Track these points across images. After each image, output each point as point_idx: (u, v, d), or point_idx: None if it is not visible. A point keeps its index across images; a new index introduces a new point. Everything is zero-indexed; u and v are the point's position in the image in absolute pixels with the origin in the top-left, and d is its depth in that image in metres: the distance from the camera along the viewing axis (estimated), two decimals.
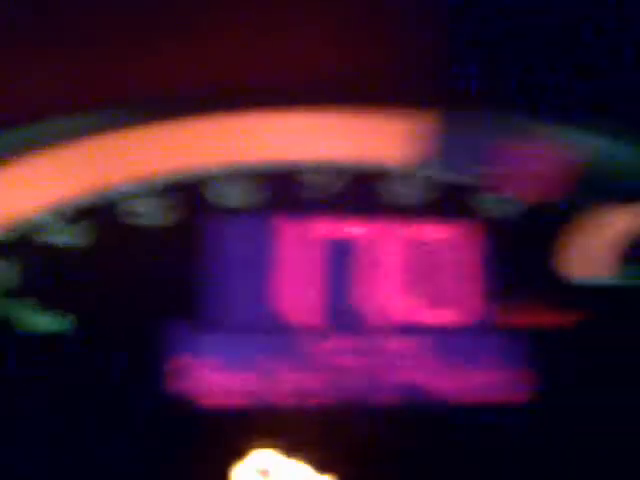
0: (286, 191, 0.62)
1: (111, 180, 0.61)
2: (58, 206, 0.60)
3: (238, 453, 0.55)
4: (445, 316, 0.59)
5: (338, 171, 0.63)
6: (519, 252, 0.62)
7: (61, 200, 0.61)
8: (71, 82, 0.62)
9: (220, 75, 0.63)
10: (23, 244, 0.59)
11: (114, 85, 0.62)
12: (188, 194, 0.61)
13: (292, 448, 0.55)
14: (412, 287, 0.60)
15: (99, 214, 0.60)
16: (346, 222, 0.61)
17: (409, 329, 0.59)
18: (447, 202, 0.63)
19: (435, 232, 0.62)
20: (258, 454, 0.54)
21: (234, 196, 0.62)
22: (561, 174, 0.64)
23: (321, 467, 0.55)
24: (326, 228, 0.61)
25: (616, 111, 0.64)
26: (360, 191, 0.63)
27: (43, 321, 0.57)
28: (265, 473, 0.54)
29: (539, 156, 0.64)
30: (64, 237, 0.60)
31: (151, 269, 0.59)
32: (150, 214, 0.61)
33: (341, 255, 0.60)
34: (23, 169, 0.61)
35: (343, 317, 0.59)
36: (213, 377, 0.56)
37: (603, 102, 0.64)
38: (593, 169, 0.64)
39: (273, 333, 0.58)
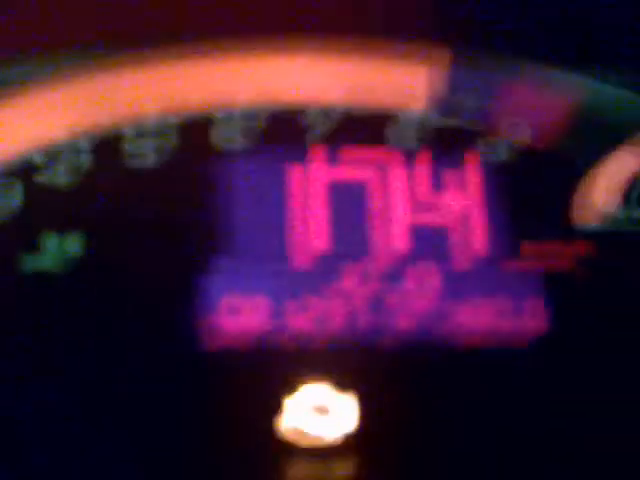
0: (288, 132, 0.62)
1: (108, 119, 0.61)
2: (52, 145, 0.60)
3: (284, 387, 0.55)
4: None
5: (340, 112, 0.63)
6: (524, 196, 0.62)
7: (55, 139, 0.60)
8: (64, 18, 0.61)
9: (220, 15, 0.62)
10: (22, 183, 0.58)
11: (110, 23, 0.61)
12: (188, 135, 0.61)
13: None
14: (414, 229, 0.61)
15: (94, 154, 0.60)
16: (348, 164, 0.61)
17: (426, 259, 0.59)
18: (449, 145, 0.63)
19: (436, 175, 0.62)
20: (309, 389, 0.55)
21: (235, 137, 0.61)
22: (558, 116, 0.64)
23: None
24: (329, 169, 0.61)
25: (608, 53, 0.64)
26: (362, 133, 0.62)
27: (42, 260, 0.56)
28: (321, 409, 0.54)
29: (538, 98, 0.64)
30: (57, 177, 0.59)
31: (148, 211, 0.59)
32: (147, 155, 0.60)
33: (345, 196, 0.61)
34: (14, 107, 0.60)
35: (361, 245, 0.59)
36: (234, 317, 0.56)
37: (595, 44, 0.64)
38: (588, 111, 0.65)
39: (291, 269, 0.58)
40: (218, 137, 0.61)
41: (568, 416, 0.56)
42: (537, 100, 0.64)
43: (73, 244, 0.57)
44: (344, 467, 0.54)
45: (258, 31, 0.63)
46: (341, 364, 0.56)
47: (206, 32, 0.63)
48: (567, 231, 0.62)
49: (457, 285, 0.59)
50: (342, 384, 0.55)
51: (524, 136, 0.64)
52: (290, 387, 0.55)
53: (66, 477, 0.52)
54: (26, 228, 0.58)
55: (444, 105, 0.64)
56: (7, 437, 0.52)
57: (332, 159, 0.62)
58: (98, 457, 0.52)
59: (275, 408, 0.54)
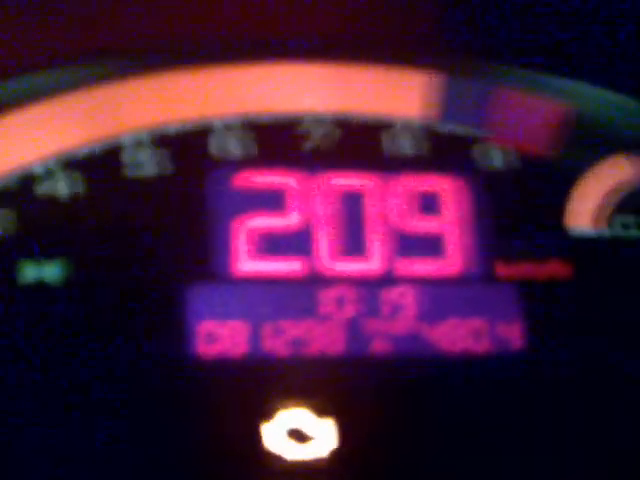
0: (288, 142, 0.62)
1: (112, 130, 0.61)
2: (58, 156, 0.60)
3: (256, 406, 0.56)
4: (437, 267, 0.60)
5: (340, 122, 0.63)
6: (516, 204, 0.62)
7: (61, 150, 0.61)
8: (70, 31, 0.61)
9: (224, 26, 0.63)
10: (22, 194, 0.59)
11: (114, 34, 0.62)
12: (189, 145, 0.61)
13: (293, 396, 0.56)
14: (410, 238, 0.61)
15: (97, 165, 0.60)
16: (348, 173, 0.62)
17: (407, 279, 0.60)
18: (447, 153, 0.63)
19: (435, 183, 0.62)
20: (286, 414, 0.56)
21: (236, 147, 0.62)
22: (554, 124, 0.63)
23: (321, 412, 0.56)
24: (328, 179, 0.62)
25: (607, 62, 0.63)
26: (361, 142, 0.63)
27: (42, 271, 0.58)
28: (296, 434, 0.55)
29: (535, 106, 0.64)
30: (63, 187, 0.60)
31: (150, 219, 0.59)
32: (150, 165, 0.61)
33: (345, 205, 0.61)
34: (22, 118, 0.61)
35: (346, 266, 0.60)
36: (216, 328, 0.57)
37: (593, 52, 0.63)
38: (584, 119, 0.64)
39: (277, 283, 0.59)
40: (213, 148, 0.62)
41: (547, 433, 0.56)
42: (531, 107, 0.64)
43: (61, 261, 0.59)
44: None
45: (254, 40, 0.63)
46: (319, 388, 0.56)
47: (205, 42, 0.63)
48: (561, 238, 0.62)
49: (434, 306, 0.59)
50: (321, 409, 0.56)
51: (518, 143, 0.63)
52: (268, 412, 0.56)
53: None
54: (25, 239, 0.59)
55: (440, 112, 0.63)
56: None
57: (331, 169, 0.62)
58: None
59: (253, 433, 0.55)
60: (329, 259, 0.60)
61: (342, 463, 0.55)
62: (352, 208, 0.61)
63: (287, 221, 0.60)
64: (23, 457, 0.54)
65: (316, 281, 0.59)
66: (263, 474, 0.55)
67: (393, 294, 0.59)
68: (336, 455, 0.55)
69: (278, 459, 0.55)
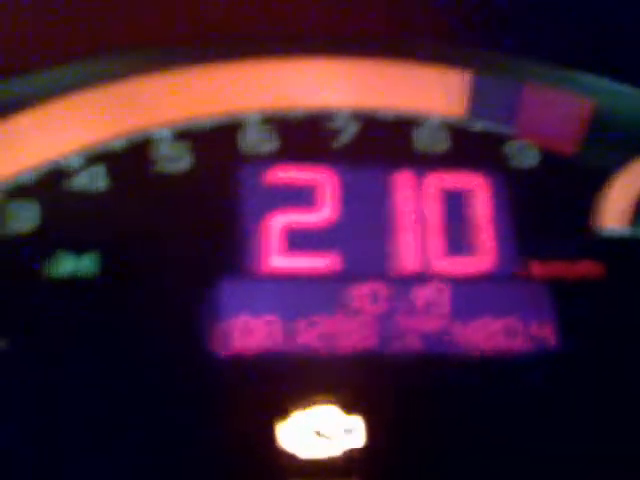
0: (318, 139, 0.62)
1: (141, 124, 0.61)
2: (86, 150, 0.60)
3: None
4: (470, 265, 0.60)
5: (369, 119, 0.63)
6: (543, 203, 0.62)
7: (89, 144, 0.61)
8: (92, 27, 0.61)
9: (248, 22, 0.62)
10: (50, 187, 0.59)
11: (141, 30, 0.62)
12: (219, 140, 0.61)
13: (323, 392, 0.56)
14: (438, 235, 0.61)
15: (126, 159, 0.60)
16: (376, 170, 0.62)
17: (434, 277, 0.59)
18: (476, 151, 0.63)
19: (462, 181, 0.62)
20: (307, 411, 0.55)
21: (266, 143, 0.62)
22: (583, 122, 0.63)
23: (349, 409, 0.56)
24: (357, 176, 0.61)
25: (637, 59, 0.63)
26: (390, 139, 0.62)
27: (74, 264, 0.58)
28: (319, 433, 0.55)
29: (563, 103, 0.63)
30: (95, 182, 0.60)
31: (177, 215, 0.59)
32: (180, 160, 0.60)
33: (370, 202, 0.61)
34: (49, 113, 0.61)
35: (371, 264, 0.59)
36: (243, 323, 0.57)
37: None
38: (613, 117, 0.63)
39: (302, 280, 0.59)
40: (245, 142, 0.62)
41: (575, 435, 0.56)
42: (560, 104, 0.63)
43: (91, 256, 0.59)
44: None
45: (285, 36, 0.63)
46: (352, 383, 0.56)
47: (228, 37, 0.63)
48: (589, 238, 0.61)
49: (466, 304, 0.59)
50: (350, 405, 0.56)
51: (546, 141, 0.63)
52: (298, 405, 0.55)
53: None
54: (57, 233, 0.59)
55: (468, 109, 0.63)
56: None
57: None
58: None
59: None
60: (359, 255, 0.60)
61: (369, 460, 0.55)
62: (381, 205, 0.61)
63: (317, 217, 0.60)
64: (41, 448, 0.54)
65: (345, 277, 0.59)
66: (279, 472, 0.55)
67: (426, 291, 0.59)
68: (363, 452, 0.55)
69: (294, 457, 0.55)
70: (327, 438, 0.55)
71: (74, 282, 0.57)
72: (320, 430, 0.55)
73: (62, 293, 0.57)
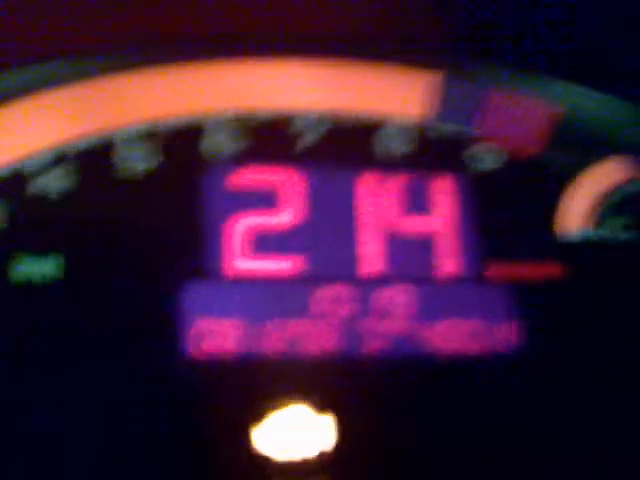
0: (281, 141, 0.62)
1: (105, 125, 0.61)
2: (50, 151, 0.60)
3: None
4: (434, 267, 0.60)
5: (333, 121, 0.63)
6: (508, 205, 0.62)
7: (53, 145, 0.60)
8: (62, 25, 0.61)
9: (220, 23, 0.62)
10: (14, 188, 0.59)
11: (108, 30, 0.61)
12: (182, 142, 0.61)
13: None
14: (402, 237, 0.61)
15: (90, 160, 0.60)
16: (341, 172, 0.62)
17: (398, 280, 0.60)
18: (439, 153, 0.63)
19: (427, 183, 0.62)
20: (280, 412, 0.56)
21: (229, 145, 0.61)
22: (547, 126, 0.64)
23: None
24: (318, 178, 0.61)
25: (601, 64, 0.63)
26: (355, 141, 0.63)
27: (34, 267, 0.57)
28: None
29: (528, 107, 0.64)
30: (56, 183, 0.59)
31: (143, 217, 0.59)
32: (143, 161, 0.60)
33: (334, 205, 0.61)
34: (13, 113, 0.60)
35: (336, 266, 0.60)
36: (208, 325, 0.57)
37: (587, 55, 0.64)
38: (577, 121, 0.64)
39: (267, 282, 0.59)
40: (210, 144, 0.62)
41: (540, 435, 0.57)
42: (525, 108, 0.64)
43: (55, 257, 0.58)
44: None
45: (249, 37, 0.63)
46: (318, 385, 0.56)
47: (196, 39, 0.63)
48: (551, 240, 0.62)
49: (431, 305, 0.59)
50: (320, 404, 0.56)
51: (511, 144, 0.64)
52: (266, 408, 0.55)
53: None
54: (18, 235, 0.58)
55: (435, 112, 0.63)
56: None
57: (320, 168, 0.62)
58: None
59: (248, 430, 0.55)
60: (323, 258, 0.60)
61: (337, 461, 0.55)
62: (345, 207, 0.61)
63: (282, 219, 0.60)
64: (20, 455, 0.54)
65: (310, 280, 0.59)
66: (253, 475, 0.55)
67: (391, 293, 0.59)
68: (331, 453, 0.55)
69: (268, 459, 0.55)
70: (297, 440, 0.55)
71: (37, 285, 0.57)
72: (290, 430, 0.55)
73: (25, 296, 0.57)
